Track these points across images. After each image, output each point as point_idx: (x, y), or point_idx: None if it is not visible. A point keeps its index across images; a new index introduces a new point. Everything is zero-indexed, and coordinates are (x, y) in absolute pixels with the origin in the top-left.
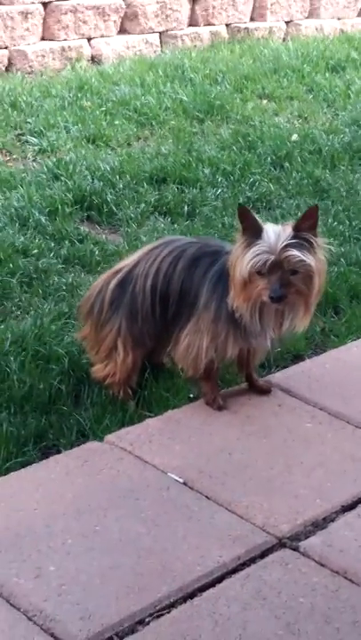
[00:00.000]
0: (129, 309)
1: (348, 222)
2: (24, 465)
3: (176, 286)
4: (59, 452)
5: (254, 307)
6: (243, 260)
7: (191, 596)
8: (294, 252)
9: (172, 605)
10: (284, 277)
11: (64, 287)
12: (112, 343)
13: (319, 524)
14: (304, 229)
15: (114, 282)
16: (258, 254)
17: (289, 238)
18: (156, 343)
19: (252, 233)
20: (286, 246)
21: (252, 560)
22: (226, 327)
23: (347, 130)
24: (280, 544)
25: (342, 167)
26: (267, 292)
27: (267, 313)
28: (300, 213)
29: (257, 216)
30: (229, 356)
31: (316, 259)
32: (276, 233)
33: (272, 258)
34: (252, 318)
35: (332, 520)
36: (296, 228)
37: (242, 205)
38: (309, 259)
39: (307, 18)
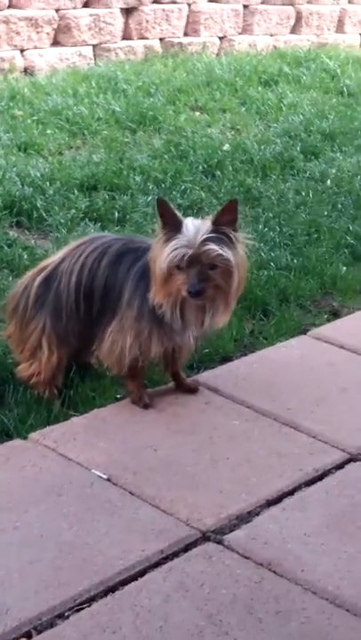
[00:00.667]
0: (53, 307)
1: (278, 229)
2: None
3: (100, 283)
4: None
5: (175, 302)
6: (162, 255)
7: (112, 589)
8: (213, 247)
9: (93, 599)
10: (202, 272)
11: None
12: (37, 341)
13: (244, 518)
14: (224, 223)
15: (39, 279)
16: (176, 248)
17: (208, 232)
18: (81, 342)
19: (172, 227)
20: (205, 240)
21: (176, 554)
22: (149, 325)
23: (278, 140)
24: (204, 537)
25: (273, 176)
26: (185, 287)
27: (188, 309)
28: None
29: (176, 210)
30: (153, 354)
31: (236, 253)
32: (195, 227)
33: (190, 252)
34: (173, 314)
35: (257, 514)
36: (216, 222)
37: (161, 198)
38: (228, 253)
39: (240, 34)
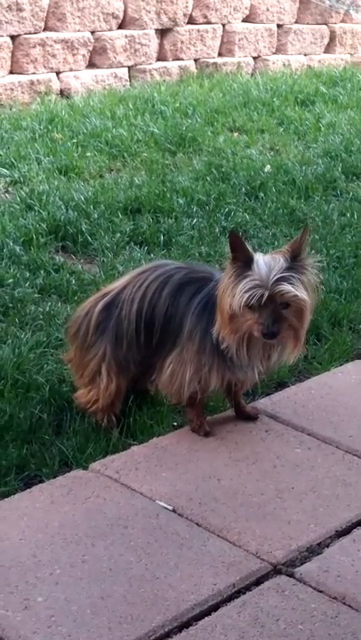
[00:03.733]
0: (114, 334)
1: (325, 251)
2: (6, 495)
3: (161, 312)
4: (41, 481)
5: (242, 339)
6: (233, 293)
7: (186, 625)
8: (287, 287)
9: (168, 635)
10: (276, 312)
11: (41, 316)
12: (96, 368)
13: (314, 550)
14: (295, 255)
15: (100, 305)
16: (250, 288)
17: (281, 271)
18: (140, 370)
19: (243, 262)
20: (278, 280)
21: (248, 587)
22: (210, 359)
23: (319, 161)
24: (275, 570)
25: (316, 197)
26: (258, 328)
27: (254, 346)
28: (276, 243)
29: (248, 244)
30: (213, 387)
31: (307, 284)
32: (267, 264)
33: (266, 293)
34: (239, 351)
35: (327, 545)
36: (287, 256)
37: (233, 231)
38: (302, 291)
39: (274, 53)
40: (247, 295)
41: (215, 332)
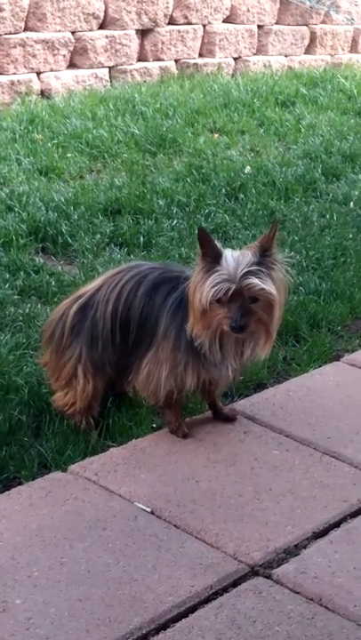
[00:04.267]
0: (90, 335)
1: (304, 252)
2: None
3: (137, 312)
4: (20, 484)
5: (214, 335)
6: (202, 288)
7: (164, 627)
8: (254, 281)
9: (145, 637)
10: (244, 306)
11: (21, 318)
12: (72, 370)
13: (291, 551)
14: (264, 250)
15: (75, 307)
16: (218, 282)
17: (249, 265)
18: (117, 371)
19: (212, 258)
20: (246, 274)
21: (225, 589)
22: (185, 357)
23: (299, 162)
24: (253, 572)
25: (296, 199)
26: (227, 322)
27: (227, 342)
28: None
29: (217, 240)
30: (189, 386)
31: (277, 282)
32: (235, 259)
33: (233, 287)
34: (211, 347)
35: (305, 547)
36: (256, 251)
37: (202, 228)
38: (270, 285)
39: (255, 54)
40: (215, 289)
41: (188, 328)
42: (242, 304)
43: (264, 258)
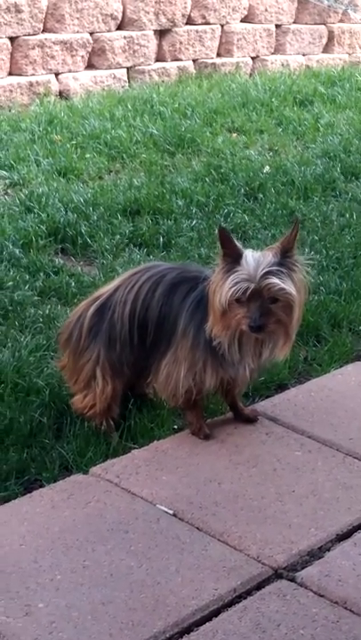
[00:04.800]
0: (107, 336)
1: (324, 252)
2: (7, 500)
3: (154, 313)
4: (42, 486)
5: (233, 335)
6: (222, 288)
7: (188, 630)
8: (274, 281)
9: None
10: (263, 306)
11: (41, 319)
12: (91, 372)
13: (315, 554)
14: (285, 251)
15: (92, 308)
16: (237, 282)
17: (269, 265)
18: (135, 372)
19: (232, 258)
20: (266, 274)
21: (249, 592)
22: (204, 355)
23: (318, 162)
24: (276, 575)
25: (316, 198)
26: (246, 322)
27: (246, 342)
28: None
29: (237, 240)
30: (208, 385)
31: (297, 283)
32: (255, 259)
33: (252, 286)
34: (230, 347)
35: (328, 549)
36: (277, 251)
37: (222, 228)
38: (290, 286)
39: (273, 53)
40: (234, 289)
41: (208, 328)
42: (261, 304)
43: (285, 259)
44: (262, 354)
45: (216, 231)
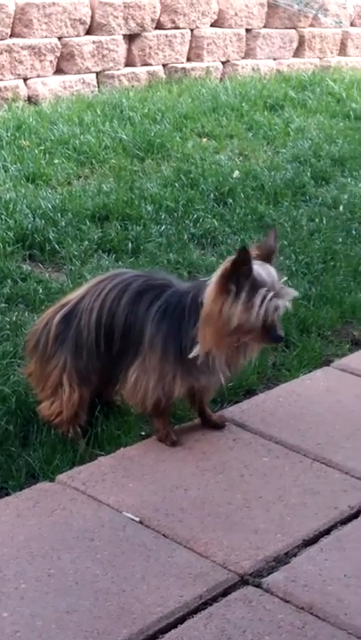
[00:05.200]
0: (74, 344)
1: (294, 257)
2: None
3: (120, 321)
4: (8, 494)
5: (233, 349)
6: (249, 310)
7: (153, 637)
8: (292, 292)
9: None
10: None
11: (8, 326)
12: (57, 379)
13: (281, 560)
14: (270, 257)
15: (59, 315)
16: (269, 301)
17: (280, 279)
18: (102, 380)
19: (242, 277)
20: (284, 289)
21: (215, 599)
22: (173, 368)
23: (288, 166)
24: (242, 581)
25: (285, 203)
26: (269, 336)
27: (230, 354)
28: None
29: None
30: (177, 395)
31: None
32: (269, 275)
33: (280, 304)
34: (214, 359)
35: (295, 555)
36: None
37: (245, 247)
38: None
39: (243, 58)
40: (270, 309)
41: (201, 349)
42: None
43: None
44: (239, 361)
45: (236, 250)
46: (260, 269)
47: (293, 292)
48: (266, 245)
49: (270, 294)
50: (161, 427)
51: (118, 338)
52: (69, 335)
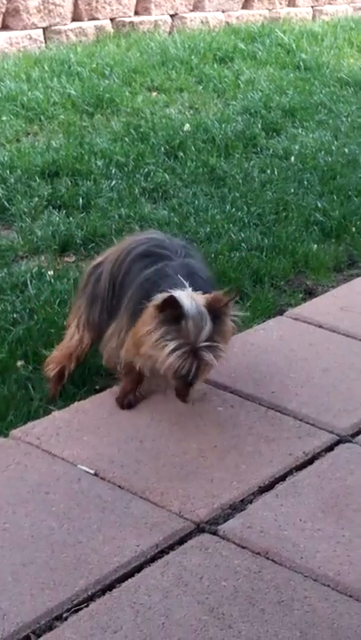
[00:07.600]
0: (92, 291)
1: (246, 208)
2: None
3: (120, 278)
4: None
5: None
6: (160, 350)
7: (110, 587)
8: (210, 357)
9: (91, 599)
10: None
11: None
12: (71, 320)
13: (237, 507)
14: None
15: (92, 263)
16: (177, 354)
17: (208, 333)
18: (100, 333)
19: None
20: (206, 348)
21: (171, 547)
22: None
23: (239, 118)
24: (198, 529)
25: (237, 155)
26: (174, 389)
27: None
28: (196, 202)
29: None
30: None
31: (227, 332)
32: (196, 325)
33: (194, 362)
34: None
35: (250, 502)
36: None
37: (173, 298)
38: (221, 350)
39: (192, 11)
40: (177, 365)
41: (123, 353)
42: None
43: (218, 311)
44: None
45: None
46: (195, 317)
47: (212, 362)
48: (220, 300)
49: (183, 350)
50: (124, 387)
51: (116, 294)
52: (92, 282)
